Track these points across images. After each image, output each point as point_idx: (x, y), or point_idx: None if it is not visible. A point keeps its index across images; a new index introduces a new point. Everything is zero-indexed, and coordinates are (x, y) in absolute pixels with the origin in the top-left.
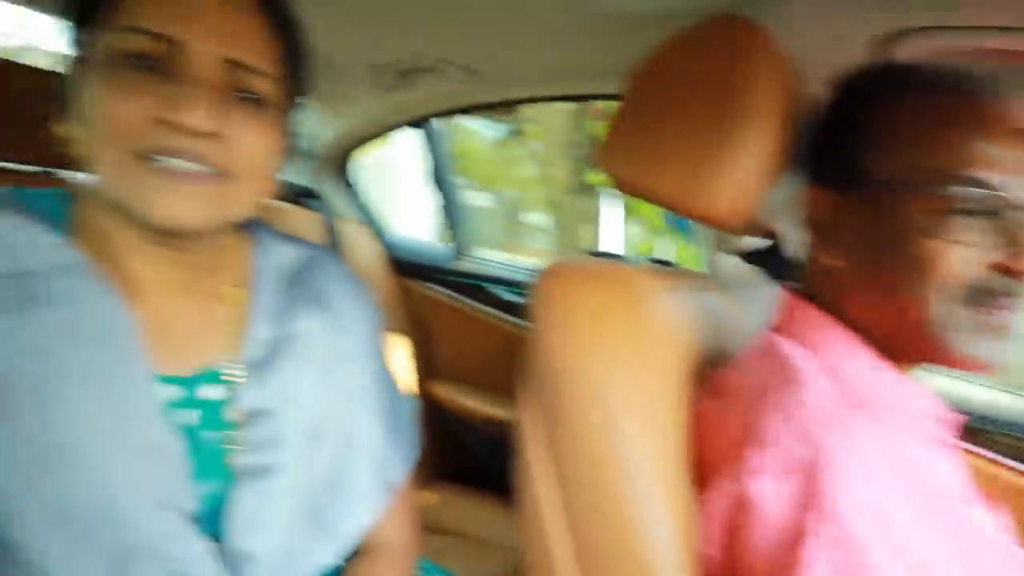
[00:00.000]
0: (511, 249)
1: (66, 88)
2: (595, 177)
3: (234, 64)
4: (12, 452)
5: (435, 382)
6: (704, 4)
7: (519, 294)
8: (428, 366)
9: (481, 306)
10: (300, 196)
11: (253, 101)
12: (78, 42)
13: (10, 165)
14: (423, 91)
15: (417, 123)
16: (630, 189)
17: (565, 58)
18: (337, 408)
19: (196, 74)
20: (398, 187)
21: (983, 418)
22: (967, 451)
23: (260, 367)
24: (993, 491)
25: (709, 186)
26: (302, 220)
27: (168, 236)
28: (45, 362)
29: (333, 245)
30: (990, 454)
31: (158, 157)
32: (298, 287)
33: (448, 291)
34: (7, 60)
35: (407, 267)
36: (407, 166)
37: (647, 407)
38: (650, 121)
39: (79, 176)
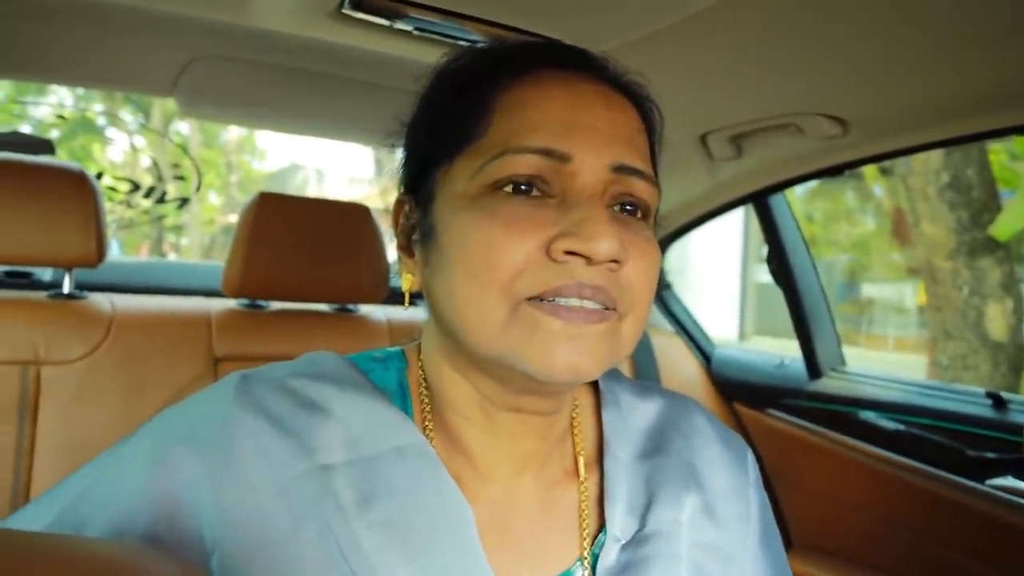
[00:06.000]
0: (850, 340)
1: (404, 227)
2: (1006, 230)
3: (620, 170)
4: None
5: (788, 553)
6: None
7: (909, 421)
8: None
9: (852, 441)
10: None
11: (637, 212)
12: (423, 175)
13: (308, 305)
14: (763, 157)
15: (751, 199)
16: None
17: (986, 77)
18: None
19: (582, 191)
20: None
21: None
22: None
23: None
24: None
25: None
26: None
27: (542, 393)
28: (378, 565)
29: (645, 364)
30: None
31: (554, 297)
32: (659, 458)
33: (801, 420)
34: (301, 198)
35: (739, 389)
36: (693, 251)
37: None
38: None
39: (375, 313)
